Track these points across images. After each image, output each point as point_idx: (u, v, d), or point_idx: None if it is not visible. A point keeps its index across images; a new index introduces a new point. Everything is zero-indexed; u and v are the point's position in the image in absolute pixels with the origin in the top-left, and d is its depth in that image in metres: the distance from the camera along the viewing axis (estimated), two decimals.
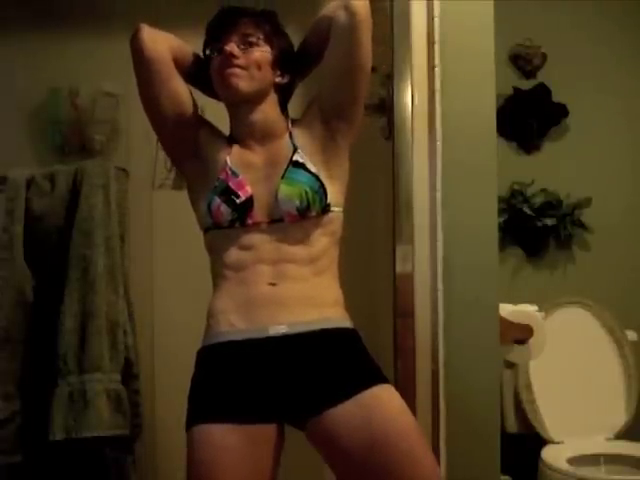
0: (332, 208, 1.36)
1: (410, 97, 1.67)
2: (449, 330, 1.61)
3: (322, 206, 1.34)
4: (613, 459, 2.38)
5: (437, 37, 1.67)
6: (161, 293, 2.14)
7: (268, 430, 1.28)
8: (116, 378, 1.94)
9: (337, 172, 1.39)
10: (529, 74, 2.89)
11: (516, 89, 2.86)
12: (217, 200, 1.34)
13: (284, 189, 1.33)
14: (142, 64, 1.39)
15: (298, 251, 1.34)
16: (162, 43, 1.39)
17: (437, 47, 1.67)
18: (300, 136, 1.40)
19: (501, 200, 2.71)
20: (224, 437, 1.24)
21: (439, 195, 1.63)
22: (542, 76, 2.88)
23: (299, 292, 1.33)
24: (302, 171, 1.34)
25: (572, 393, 2.52)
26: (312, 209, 1.33)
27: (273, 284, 1.33)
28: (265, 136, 1.40)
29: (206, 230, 1.41)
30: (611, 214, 2.83)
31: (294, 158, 1.35)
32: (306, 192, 1.32)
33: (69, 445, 1.88)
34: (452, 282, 1.62)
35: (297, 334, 1.30)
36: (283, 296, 1.32)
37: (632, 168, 2.88)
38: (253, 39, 1.37)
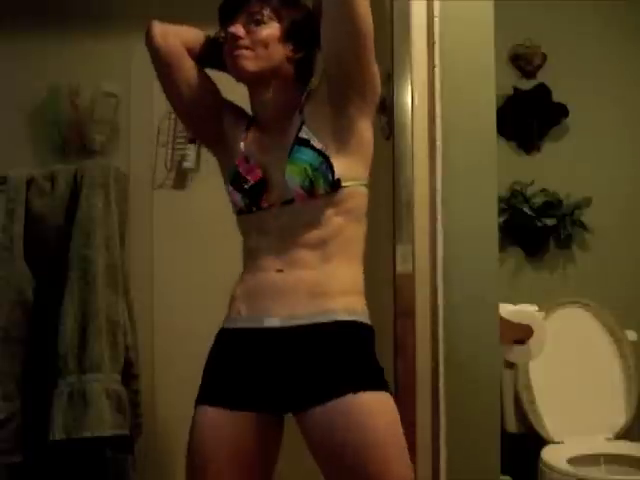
0: (344, 183, 1.31)
1: (410, 97, 1.66)
2: (449, 330, 1.61)
3: (329, 183, 1.29)
4: (613, 459, 2.38)
5: (437, 37, 1.67)
6: (161, 293, 2.14)
7: (260, 419, 1.28)
8: (116, 378, 1.94)
9: (352, 145, 1.33)
10: (529, 74, 2.89)
11: (516, 89, 2.87)
12: (230, 187, 1.38)
13: (289, 169, 1.31)
14: (156, 59, 1.41)
15: (308, 235, 1.31)
16: (174, 37, 1.40)
17: (437, 47, 1.67)
18: (311, 109, 1.36)
19: (501, 200, 2.72)
20: (216, 420, 1.28)
21: (439, 195, 1.63)
22: (542, 76, 2.88)
23: (303, 280, 1.30)
24: (305, 148, 1.31)
25: (572, 393, 2.52)
26: (317, 187, 1.29)
27: (280, 271, 1.31)
28: (279, 114, 1.38)
29: (237, 215, 1.43)
30: (611, 214, 2.83)
31: (299, 135, 1.32)
32: (306, 170, 1.29)
33: (69, 445, 1.88)
34: (452, 282, 1.62)
35: (290, 327, 1.28)
36: (286, 285, 1.31)
37: (632, 168, 2.88)
38: (259, 17, 1.35)
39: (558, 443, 2.47)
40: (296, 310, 1.29)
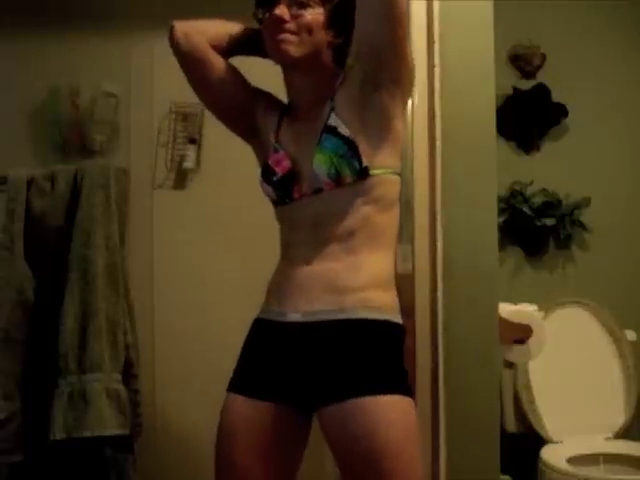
0: (372, 171, 1.27)
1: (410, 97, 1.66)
2: (449, 330, 1.61)
3: (356, 171, 1.26)
4: (612, 459, 2.39)
5: (437, 37, 1.67)
6: (161, 293, 2.14)
7: (284, 412, 1.29)
8: (116, 378, 1.94)
9: (382, 133, 1.30)
10: (529, 74, 2.89)
11: (516, 89, 2.87)
12: (261, 179, 1.37)
13: (317, 158, 1.28)
14: (180, 60, 1.41)
15: (335, 226, 1.29)
16: (196, 35, 1.39)
17: (437, 47, 1.67)
18: (342, 95, 1.33)
19: (501, 200, 2.72)
20: (242, 408, 1.30)
21: (439, 195, 1.63)
22: (542, 76, 2.88)
23: (326, 274, 1.28)
24: (332, 136, 1.28)
25: (571, 393, 2.52)
26: (344, 175, 1.27)
27: (308, 263, 1.30)
28: (313, 100, 1.35)
29: (274, 208, 1.42)
30: (611, 214, 2.83)
31: (328, 122, 1.30)
32: (331, 159, 1.26)
33: (69, 445, 1.88)
34: (452, 282, 1.62)
35: (310, 322, 1.28)
36: (310, 279, 1.29)
37: (632, 168, 2.88)
38: (304, 0, 1.30)
39: (557, 443, 2.47)
40: (315, 306, 1.28)
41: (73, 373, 1.90)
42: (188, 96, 2.09)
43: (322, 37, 1.32)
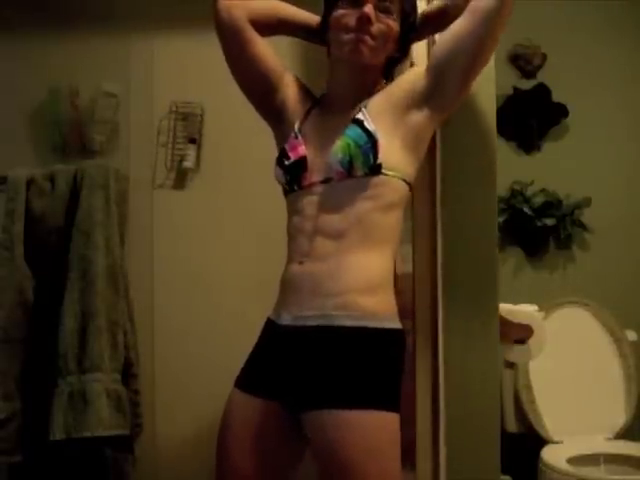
0: (385, 171, 1.26)
1: None
2: (449, 330, 1.61)
3: (369, 164, 1.25)
4: (613, 459, 2.39)
5: (437, 37, 1.67)
6: (161, 293, 2.14)
7: (281, 411, 1.29)
8: (116, 378, 1.94)
9: (410, 141, 1.31)
10: (529, 74, 2.89)
11: (516, 89, 2.87)
12: (275, 163, 1.36)
13: (336, 144, 1.27)
14: (218, 31, 1.41)
15: (332, 219, 1.27)
16: (238, 8, 1.37)
17: None
18: (381, 97, 1.34)
19: (501, 200, 2.72)
20: (241, 403, 1.32)
21: (439, 195, 1.63)
22: (542, 76, 2.88)
23: (316, 276, 1.26)
24: (356, 127, 1.27)
25: (572, 393, 2.52)
26: (356, 166, 1.25)
27: (301, 263, 1.29)
28: (349, 97, 1.35)
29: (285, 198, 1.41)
30: (611, 214, 2.83)
31: (356, 116, 1.30)
32: (349, 145, 1.25)
33: (69, 445, 1.88)
34: (452, 282, 1.61)
35: (298, 327, 1.28)
36: (302, 279, 1.28)
37: (632, 168, 2.88)
38: (389, 6, 1.30)
39: (558, 443, 2.47)
40: (304, 309, 1.27)
41: (73, 373, 1.90)
42: (188, 96, 2.13)
43: (390, 48, 1.34)
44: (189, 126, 2.13)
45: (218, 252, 2.12)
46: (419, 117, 1.31)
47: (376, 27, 1.29)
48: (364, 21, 1.27)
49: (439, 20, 1.37)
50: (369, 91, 1.36)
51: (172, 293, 2.13)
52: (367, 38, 1.28)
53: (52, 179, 2.03)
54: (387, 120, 1.30)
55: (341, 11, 1.31)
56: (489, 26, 1.25)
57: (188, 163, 2.12)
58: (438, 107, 1.32)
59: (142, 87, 2.15)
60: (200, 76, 2.12)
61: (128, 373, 2.00)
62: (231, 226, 2.12)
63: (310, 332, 1.26)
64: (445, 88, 1.30)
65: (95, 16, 2.17)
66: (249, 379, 1.35)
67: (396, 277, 1.48)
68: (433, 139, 1.47)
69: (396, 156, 1.29)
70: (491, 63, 1.68)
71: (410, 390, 1.59)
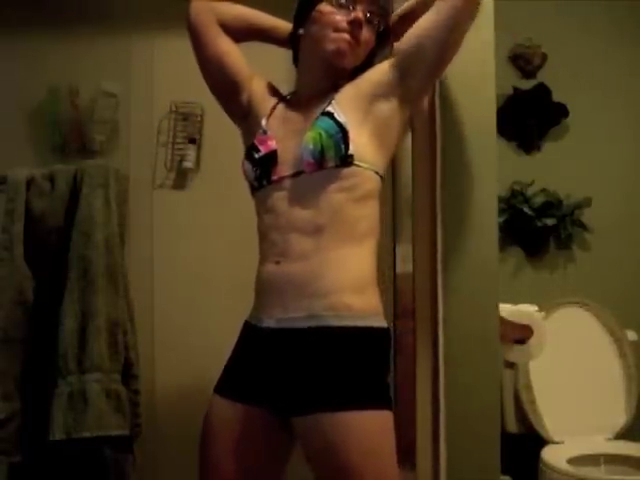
0: (357, 162, 1.27)
1: None
2: (449, 330, 1.61)
3: (340, 154, 1.25)
4: (613, 459, 2.39)
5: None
6: (161, 293, 2.14)
7: (264, 416, 1.28)
8: (116, 378, 1.94)
9: (380, 133, 1.31)
10: (529, 74, 2.89)
11: (516, 89, 2.87)
12: (243, 159, 1.37)
13: (306, 135, 1.28)
14: (189, 35, 1.45)
15: (306, 214, 1.26)
16: (205, 13, 1.42)
17: None
18: (349, 90, 1.35)
19: (501, 200, 2.72)
20: (222, 410, 1.31)
21: (439, 195, 1.63)
22: (542, 76, 2.88)
23: (296, 275, 1.25)
24: (327, 118, 1.28)
25: (572, 393, 2.52)
26: (327, 157, 1.25)
27: (277, 262, 1.28)
28: (319, 94, 1.37)
29: (252, 196, 1.42)
30: (611, 214, 2.83)
31: (326, 109, 1.30)
32: (320, 135, 1.25)
33: (69, 445, 1.88)
34: (452, 282, 1.61)
35: (283, 329, 1.26)
36: (281, 280, 1.27)
37: (632, 168, 2.88)
38: (373, 16, 1.34)
39: (558, 443, 2.47)
40: (288, 311, 1.26)
41: (73, 373, 1.90)
42: (188, 96, 2.13)
43: (363, 56, 1.37)
44: (189, 126, 2.13)
45: (218, 252, 2.11)
46: (387, 108, 1.32)
47: (363, 34, 1.33)
48: (357, 26, 1.30)
49: (410, 21, 1.38)
50: (337, 86, 1.37)
51: (172, 293, 2.13)
52: (353, 43, 1.32)
53: (52, 179, 2.03)
54: (356, 112, 1.31)
55: (329, 8, 1.33)
56: (455, 19, 1.28)
57: (188, 163, 2.12)
58: (405, 98, 1.33)
59: (142, 87, 2.15)
60: (200, 76, 2.11)
61: (128, 373, 1.99)
62: (231, 226, 2.12)
63: (300, 334, 1.24)
64: (412, 81, 1.32)
65: (95, 16, 2.17)
66: (230, 385, 1.33)
67: (396, 277, 1.49)
68: (432, 139, 1.47)
69: (366, 148, 1.30)
70: (491, 63, 1.69)
71: (410, 390, 1.59)
